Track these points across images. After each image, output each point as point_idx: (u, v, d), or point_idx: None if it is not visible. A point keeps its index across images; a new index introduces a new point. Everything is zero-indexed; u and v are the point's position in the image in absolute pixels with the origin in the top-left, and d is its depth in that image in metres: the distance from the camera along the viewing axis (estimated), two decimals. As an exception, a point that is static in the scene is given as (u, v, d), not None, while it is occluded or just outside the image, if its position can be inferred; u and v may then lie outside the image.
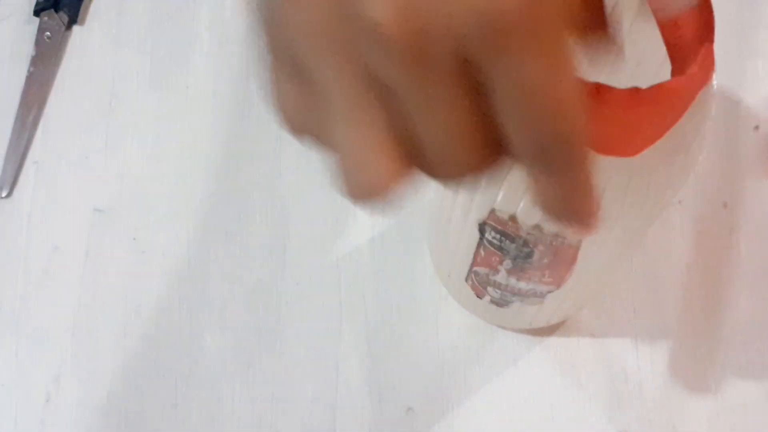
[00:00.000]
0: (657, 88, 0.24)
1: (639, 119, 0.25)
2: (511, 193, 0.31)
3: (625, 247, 0.36)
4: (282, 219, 0.48)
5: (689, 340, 0.45)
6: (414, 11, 0.18)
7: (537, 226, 0.31)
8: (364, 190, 0.21)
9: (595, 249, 0.34)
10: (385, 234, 0.47)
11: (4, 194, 0.48)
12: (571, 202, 0.21)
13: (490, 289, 0.39)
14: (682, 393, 0.44)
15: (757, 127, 0.50)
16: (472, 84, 0.19)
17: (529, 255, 0.34)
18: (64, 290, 0.46)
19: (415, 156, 0.21)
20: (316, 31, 0.20)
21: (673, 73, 0.27)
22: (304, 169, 0.49)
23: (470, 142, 0.20)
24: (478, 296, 0.41)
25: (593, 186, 0.21)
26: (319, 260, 0.47)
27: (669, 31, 0.28)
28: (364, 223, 0.48)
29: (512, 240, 0.33)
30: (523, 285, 0.37)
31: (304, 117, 0.22)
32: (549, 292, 0.38)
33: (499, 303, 0.41)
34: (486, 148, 0.20)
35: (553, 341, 0.45)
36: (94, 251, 0.47)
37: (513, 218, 0.32)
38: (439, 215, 0.39)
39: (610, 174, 0.28)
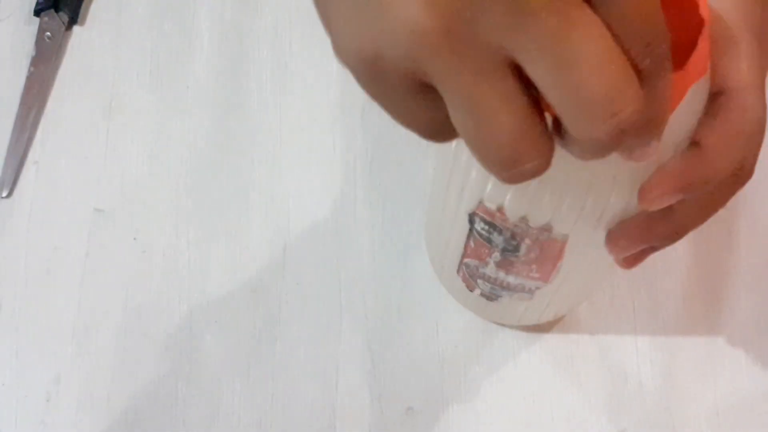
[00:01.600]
0: None
1: None
2: (499, 184, 0.31)
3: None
4: (282, 219, 0.48)
5: (689, 340, 0.45)
6: None
7: (523, 219, 0.32)
8: (516, 175, 0.22)
9: (581, 246, 0.34)
10: (385, 234, 0.47)
11: (4, 194, 0.48)
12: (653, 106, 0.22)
13: (480, 281, 0.40)
14: (682, 393, 0.44)
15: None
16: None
17: (517, 248, 0.34)
18: (64, 290, 0.46)
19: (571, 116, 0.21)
20: (423, 29, 0.20)
21: None
22: (304, 169, 0.49)
23: (621, 70, 0.20)
24: (468, 289, 0.42)
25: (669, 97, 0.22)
26: (319, 260, 0.47)
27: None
28: (364, 223, 0.48)
29: (500, 232, 0.34)
30: (511, 279, 0.38)
31: (440, 125, 0.22)
32: (537, 288, 0.38)
33: (489, 296, 0.41)
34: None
35: (553, 341, 0.45)
36: (94, 251, 0.47)
37: (501, 209, 0.32)
38: (434, 205, 0.40)
39: (595, 168, 0.28)
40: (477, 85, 0.20)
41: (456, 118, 0.21)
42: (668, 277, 0.46)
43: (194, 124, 0.50)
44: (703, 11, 0.26)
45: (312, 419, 0.44)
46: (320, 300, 0.46)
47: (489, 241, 0.35)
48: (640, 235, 0.31)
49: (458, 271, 0.41)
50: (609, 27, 0.20)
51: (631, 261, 0.33)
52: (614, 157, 0.27)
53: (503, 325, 0.45)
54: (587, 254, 0.35)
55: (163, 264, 0.47)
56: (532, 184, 0.30)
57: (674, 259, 0.47)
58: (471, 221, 0.35)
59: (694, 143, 0.29)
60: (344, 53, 0.22)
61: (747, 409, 0.44)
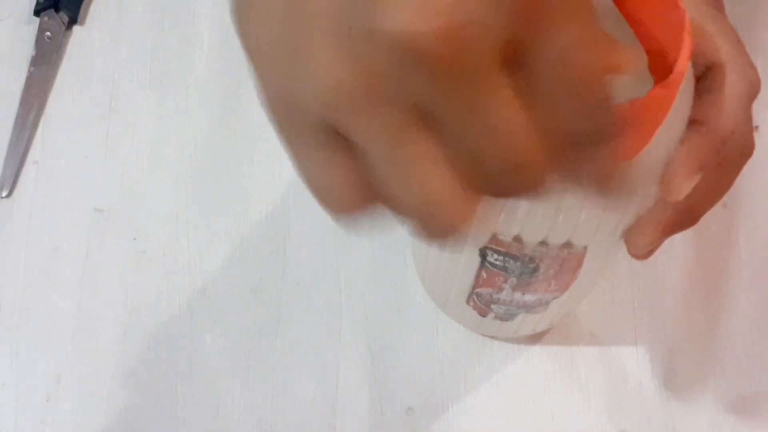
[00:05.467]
0: (651, 97, 0.25)
1: (635, 126, 0.26)
2: (511, 215, 0.30)
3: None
4: (282, 219, 0.48)
5: (689, 340, 0.45)
6: (441, 11, 0.17)
7: (543, 242, 0.31)
8: (445, 230, 0.20)
9: (600, 252, 0.33)
10: (385, 234, 0.47)
11: (4, 194, 0.48)
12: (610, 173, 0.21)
13: (494, 306, 0.39)
14: (682, 393, 0.44)
15: (757, 127, 0.50)
16: (511, 79, 0.19)
17: (535, 270, 0.33)
18: (64, 290, 0.46)
19: (481, 180, 0.20)
20: (342, 87, 0.18)
21: (656, 80, 0.28)
22: (304, 169, 0.49)
23: (528, 142, 0.19)
24: (481, 315, 0.41)
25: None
26: (319, 260, 0.47)
27: (646, 40, 0.29)
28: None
29: (516, 259, 0.33)
30: (528, 297, 0.37)
31: (353, 188, 0.21)
32: (554, 298, 0.38)
33: (504, 317, 0.40)
34: (541, 149, 0.19)
35: (553, 341, 0.45)
36: (94, 251, 0.47)
37: (517, 239, 0.31)
38: (428, 246, 0.38)
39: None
40: (396, 142, 0.19)
41: (379, 173, 0.20)
42: (668, 277, 0.46)
43: (194, 124, 0.50)
44: (685, 15, 0.26)
45: (312, 419, 0.44)
46: (320, 300, 0.46)
47: (504, 269, 0.34)
48: (660, 228, 0.31)
49: (468, 302, 0.40)
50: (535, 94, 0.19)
51: (649, 252, 0.33)
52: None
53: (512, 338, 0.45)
54: (606, 256, 0.35)
55: (163, 264, 0.47)
56: (550, 206, 0.29)
57: (674, 258, 0.47)
58: (482, 255, 0.34)
59: (695, 122, 0.29)
60: (263, 93, 0.21)
61: (747, 409, 0.44)
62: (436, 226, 0.20)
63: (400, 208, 0.20)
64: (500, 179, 0.19)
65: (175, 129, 0.50)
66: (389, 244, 0.47)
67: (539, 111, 0.19)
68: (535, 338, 0.45)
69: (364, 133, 0.19)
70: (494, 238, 0.32)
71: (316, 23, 0.18)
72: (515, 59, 0.18)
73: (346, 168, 0.20)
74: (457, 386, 0.44)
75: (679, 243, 0.47)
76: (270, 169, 0.49)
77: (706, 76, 0.30)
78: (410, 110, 0.19)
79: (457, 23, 0.17)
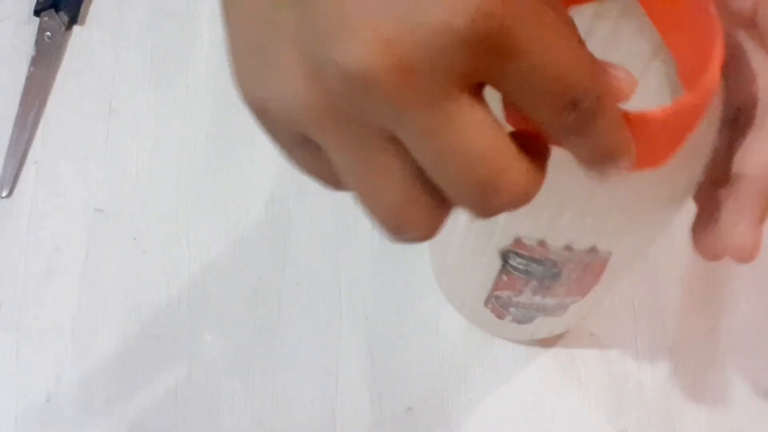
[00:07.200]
0: (682, 104, 0.25)
1: (665, 133, 0.26)
2: (537, 218, 0.30)
3: (647, 248, 0.36)
4: (282, 219, 0.48)
5: (689, 340, 0.45)
6: (393, 47, 0.18)
7: (568, 246, 0.31)
8: (409, 238, 0.21)
9: (624, 257, 0.33)
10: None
11: (4, 194, 0.48)
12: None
13: (512, 309, 0.39)
14: (682, 393, 0.44)
15: (757, 127, 0.50)
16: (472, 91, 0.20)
17: (558, 274, 0.33)
18: (64, 290, 0.46)
19: (456, 196, 0.21)
20: (307, 107, 0.20)
21: (687, 87, 0.28)
22: (304, 169, 0.49)
23: (498, 160, 0.20)
24: (498, 317, 0.41)
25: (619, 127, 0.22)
26: (319, 260, 0.47)
27: (676, 46, 0.29)
28: (364, 223, 0.48)
29: (539, 263, 0.33)
30: (548, 301, 0.37)
31: (329, 177, 0.22)
32: (573, 302, 0.38)
33: (522, 320, 0.40)
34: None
35: (553, 341, 0.45)
36: (94, 251, 0.47)
37: (542, 242, 0.31)
38: (448, 246, 0.38)
39: (641, 185, 0.28)
40: (360, 157, 0.20)
41: (343, 179, 0.21)
42: (668, 277, 0.46)
43: (194, 124, 0.50)
44: (716, 21, 0.26)
45: (312, 419, 0.44)
46: (320, 300, 0.46)
47: (526, 273, 0.34)
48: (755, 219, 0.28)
49: (486, 304, 0.40)
50: (518, 98, 0.19)
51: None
52: (655, 174, 0.27)
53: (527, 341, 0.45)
54: (630, 261, 0.34)
55: (163, 264, 0.47)
56: (578, 210, 0.29)
57: (674, 258, 0.47)
58: (504, 258, 0.34)
59: (741, 176, 0.27)
60: (240, 91, 0.22)
61: (747, 410, 0.44)
62: (399, 234, 0.21)
63: (367, 212, 0.22)
64: (472, 196, 0.20)
65: (175, 129, 0.50)
66: (389, 244, 0.47)
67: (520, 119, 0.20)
68: (535, 338, 0.45)
69: (330, 146, 0.20)
70: (518, 241, 0.32)
71: (284, 39, 0.19)
72: (487, 81, 0.19)
73: (323, 163, 0.22)
74: (457, 386, 0.44)
75: (679, 243, 0.47)
76: (270, 169, 0.49)
77: (740, 117, 0.28)
78: (372, 130, 0.20)
79: (408, 61, 0.18)
